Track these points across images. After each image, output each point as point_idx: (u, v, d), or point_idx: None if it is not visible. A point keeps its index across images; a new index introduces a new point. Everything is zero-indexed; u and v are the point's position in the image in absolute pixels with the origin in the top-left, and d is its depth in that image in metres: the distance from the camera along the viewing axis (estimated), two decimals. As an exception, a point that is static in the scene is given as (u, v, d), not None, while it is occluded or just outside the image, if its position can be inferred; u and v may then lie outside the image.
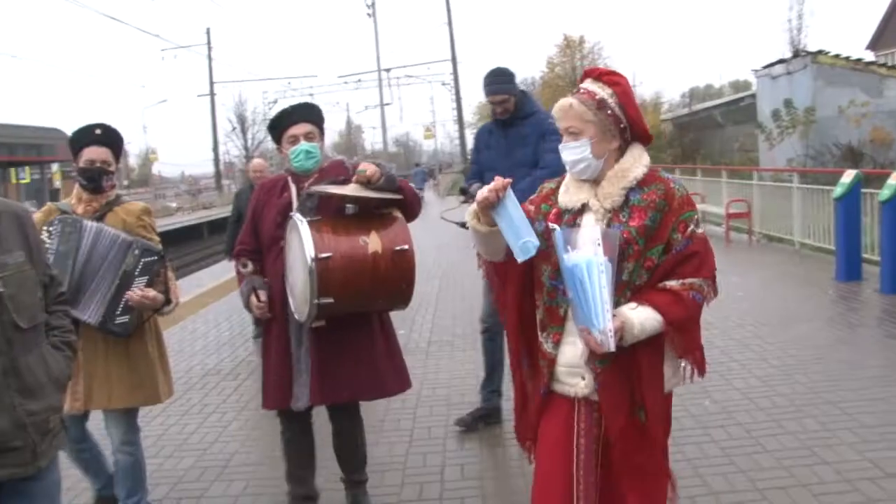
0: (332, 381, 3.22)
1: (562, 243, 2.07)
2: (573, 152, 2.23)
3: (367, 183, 3.13)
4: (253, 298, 3.29)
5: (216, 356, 6.84)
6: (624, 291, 2.16)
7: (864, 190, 8.39)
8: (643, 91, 48.17)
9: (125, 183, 71.01)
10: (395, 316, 3.54)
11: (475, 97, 67.89)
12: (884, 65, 21.80)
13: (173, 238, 35.84)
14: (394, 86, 35.02)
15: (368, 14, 34.11)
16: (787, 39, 28.23)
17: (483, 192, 2.13)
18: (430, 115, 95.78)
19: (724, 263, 10.26)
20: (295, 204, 3.28)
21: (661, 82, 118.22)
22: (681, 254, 2.17)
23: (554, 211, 2.28)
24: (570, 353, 2.23)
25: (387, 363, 3.36)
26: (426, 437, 4.49)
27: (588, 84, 2.26)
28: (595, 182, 2.25)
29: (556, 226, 2.19)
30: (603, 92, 2.22)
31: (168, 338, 7.89)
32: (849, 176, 8.38)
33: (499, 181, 2.11)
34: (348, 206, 3.22)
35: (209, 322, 8.46)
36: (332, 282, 2.97)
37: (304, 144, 3.29)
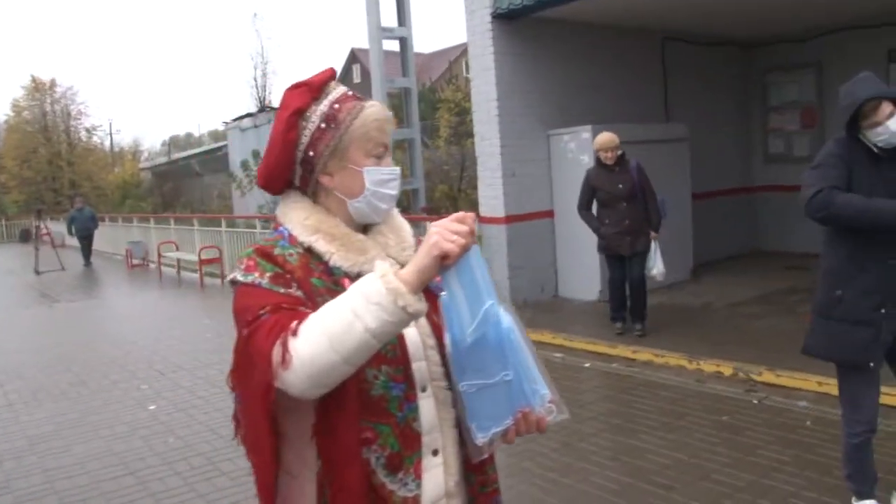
0: None
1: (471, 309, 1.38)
2: (398, 182, 1.56)
3: None
4: None
5: None
6: None
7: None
8: (121, 139, 46.83)
9: None
10: None
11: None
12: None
13: None
14: None
15: None
16: (254, 95, 30.57)
17: (451, 242, 1.31)
18: None
19: (200, 308, 10.68)
20: None
21: (141, 130, 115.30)
22: None
23: (331, 280, 1.46)
24: (434, 480, 1.52)
25: None
26: None
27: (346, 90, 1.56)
28: (362, 229, 1.56)
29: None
30: None
31: None
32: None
33: (467, 217, 1.35)
34: None
35: None
36: None
37: None
